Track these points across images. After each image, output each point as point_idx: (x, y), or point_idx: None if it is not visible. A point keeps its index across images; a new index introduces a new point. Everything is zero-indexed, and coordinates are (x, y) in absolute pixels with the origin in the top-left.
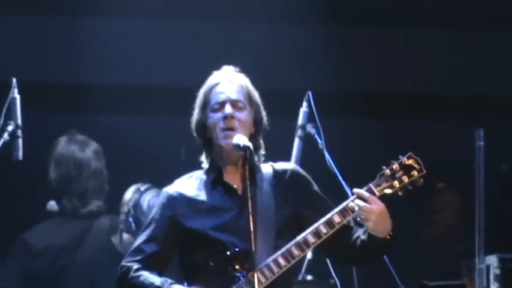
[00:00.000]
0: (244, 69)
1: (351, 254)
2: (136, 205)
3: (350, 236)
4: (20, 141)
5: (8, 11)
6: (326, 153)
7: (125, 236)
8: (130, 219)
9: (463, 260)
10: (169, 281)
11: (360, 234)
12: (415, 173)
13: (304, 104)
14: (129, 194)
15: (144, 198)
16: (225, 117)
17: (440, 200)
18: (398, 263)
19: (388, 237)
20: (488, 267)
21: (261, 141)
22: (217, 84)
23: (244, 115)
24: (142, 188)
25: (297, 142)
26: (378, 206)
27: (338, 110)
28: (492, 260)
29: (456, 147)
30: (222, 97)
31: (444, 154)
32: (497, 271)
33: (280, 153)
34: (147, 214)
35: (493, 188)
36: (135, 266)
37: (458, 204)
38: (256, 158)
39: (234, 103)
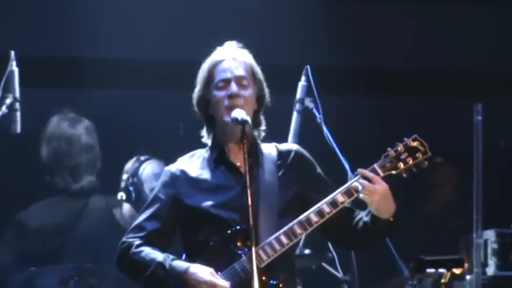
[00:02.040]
0: (244, 44)
1: (352, 236)
2: (135, 174)
3: (352, 218)
4: (18, 114)
5: None
6: (324, 127)
7: (126, 207)
8: (131, 188)
9: (460, 235)
10: (171, 256)
11: (362, 216)
12: (419, 155)
13: (303, 78)
14: (129, 163)
15: (142, 167)
16: (231, 96)
17: (439, 176)
18: (396, 238)
19: (392, 219)
20: (486, 242)
21: (262, 118)
22: (221, 61)
23: (248, 93)
24: (142, 158)
25: (295, 116)
26: (381, 186)
27: (336, 85)
28: (490, 234)
29: (455, 123)
30: (227, 75)
31: (443, 129)
32: (495, 246)
33: (278, 127)
34: (144, 183)
35: (490, 164)
36: (137, 242)
37: (456, 179)
38: (256, 133)
39: (238, 80)
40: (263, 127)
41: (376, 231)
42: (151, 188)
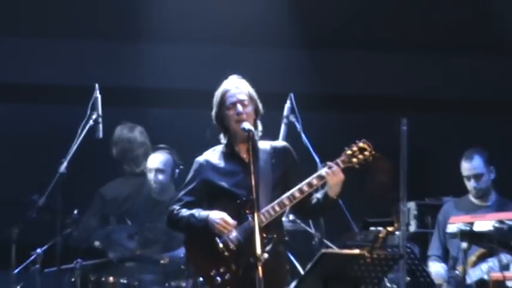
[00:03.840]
0: (251, 78)
1: (307, 208)
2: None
3: (309, 197)
4: (101, 125)
5: (95, 37)
6: (302, 134)
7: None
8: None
9: (392, 204)
10: (200, 210)
11: (316, 195)
12: (367, 153)
13: (288, 101)
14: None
15: (152, 154)
16: (237, 114)
17: (377, 165)
18: (350, 207)
19: (336, 198)
20: (409, 210)
21: (259, 123)
22: (228, 90)
23: (249, 109)
24: (156, 147)
25: (283, 127)
26: (340, 174)
27: (310, 106)
28: (411, 204)
29: (389, 131)
30: (233, 100)
31: (381, 135)
32: (415, 212)
33: (272, 134)
34: (148, 165)
35: (411, 157)
36: (177, 208)
37: (389, 168)
38: (256, 133)
39: (242, 103)
40: (260, 128)
41: (324, 205)
42: (151, 168)
